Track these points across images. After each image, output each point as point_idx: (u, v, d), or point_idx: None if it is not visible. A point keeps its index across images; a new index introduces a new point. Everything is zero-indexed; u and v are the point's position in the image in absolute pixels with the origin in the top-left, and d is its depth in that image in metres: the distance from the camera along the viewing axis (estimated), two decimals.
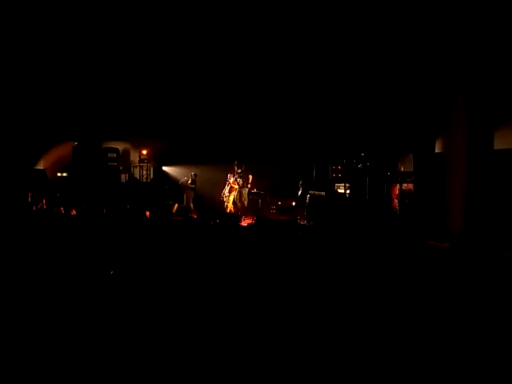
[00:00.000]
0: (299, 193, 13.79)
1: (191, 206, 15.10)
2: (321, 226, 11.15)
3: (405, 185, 11.67)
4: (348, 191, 12.54)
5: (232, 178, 14.71)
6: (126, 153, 17.37)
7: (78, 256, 6.90)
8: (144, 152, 16.91)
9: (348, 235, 9.48)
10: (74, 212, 12.10)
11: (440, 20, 10.50)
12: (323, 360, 3.68)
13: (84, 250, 7.41)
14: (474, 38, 10.20)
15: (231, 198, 14.70)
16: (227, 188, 14.76)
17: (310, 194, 12.86)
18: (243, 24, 12.24)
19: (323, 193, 12.48)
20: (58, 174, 16.54)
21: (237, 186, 14.67)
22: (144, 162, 17.04)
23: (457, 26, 10.37)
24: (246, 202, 14.59)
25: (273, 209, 14.94)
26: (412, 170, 11.71)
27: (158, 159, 17.14)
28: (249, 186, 14.45)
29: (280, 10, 11.50)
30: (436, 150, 11.44)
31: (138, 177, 16.71)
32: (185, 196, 15.37)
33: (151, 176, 16.92)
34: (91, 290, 5.27)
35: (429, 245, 8.64)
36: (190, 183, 15.35)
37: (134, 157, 17.26)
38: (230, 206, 14.71)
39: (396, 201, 11.90)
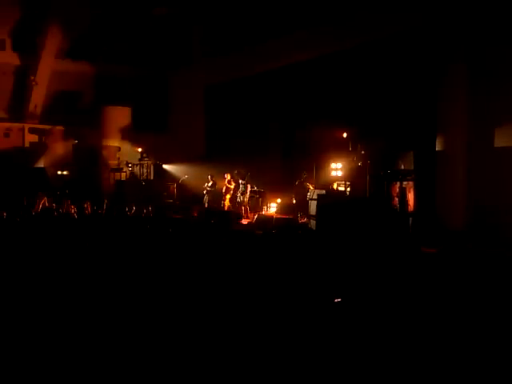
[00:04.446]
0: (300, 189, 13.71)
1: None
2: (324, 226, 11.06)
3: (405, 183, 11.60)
4: (348, 189, 12.46)
5: (228, 177, 14.68)
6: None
7: (80, 255, 6.90)
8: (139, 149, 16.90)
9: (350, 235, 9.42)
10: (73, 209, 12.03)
11: (441, 12, 10.45)
12: (322, 360, 3.67)
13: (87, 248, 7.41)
14: (474, 34, 10.15)
15: (228, 196, 14.69)
16: (224, 187, 14.72)
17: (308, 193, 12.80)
18: None
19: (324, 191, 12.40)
20: (59, 172, 16.51)
21: (232, 186, 14.65)
22: (144, 160, 17.01)
23: (458, 20, 10.32)
24: (246, 200, 14.54)
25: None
26: (412, 167, 11.65)
27: (158, 157, 17.12)
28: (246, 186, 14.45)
29: None
30: (437, 148, 11.39)
31: (137, 174, 16.69)
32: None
33: (151, 174, 16.89)
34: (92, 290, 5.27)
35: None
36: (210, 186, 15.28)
37: (134, 154, 17.25)
38: (227, 205, 14.69)
39: (396, 199, 11.83)
